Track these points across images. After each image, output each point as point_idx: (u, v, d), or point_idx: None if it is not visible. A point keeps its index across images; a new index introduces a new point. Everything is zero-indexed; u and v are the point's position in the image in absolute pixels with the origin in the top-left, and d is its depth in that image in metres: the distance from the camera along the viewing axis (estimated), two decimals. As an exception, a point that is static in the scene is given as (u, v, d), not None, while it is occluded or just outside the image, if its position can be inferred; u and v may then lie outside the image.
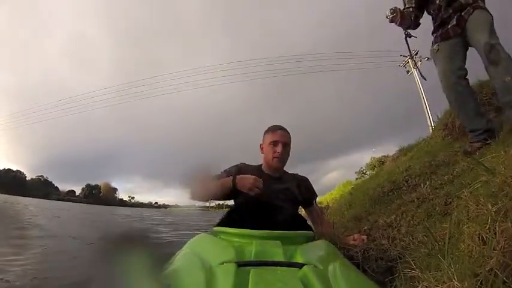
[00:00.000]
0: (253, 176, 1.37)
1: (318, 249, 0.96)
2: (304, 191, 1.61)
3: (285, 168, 1.61)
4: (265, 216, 1.14)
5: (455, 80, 1.85)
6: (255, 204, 1.29)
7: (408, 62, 16.05)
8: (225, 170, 1.59)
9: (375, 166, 16.13)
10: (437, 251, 0.95)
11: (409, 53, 2.52)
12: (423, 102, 14.53)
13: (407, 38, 2.12)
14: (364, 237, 1.45)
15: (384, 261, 1.23)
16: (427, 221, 1.32)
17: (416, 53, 15.76)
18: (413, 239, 1.24)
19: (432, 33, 2.03)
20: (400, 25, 2.02)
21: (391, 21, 1.98)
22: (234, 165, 1.60)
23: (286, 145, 1.54)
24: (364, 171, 18.33)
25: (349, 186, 10.27)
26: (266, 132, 1.59)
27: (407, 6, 2.03)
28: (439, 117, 3.64)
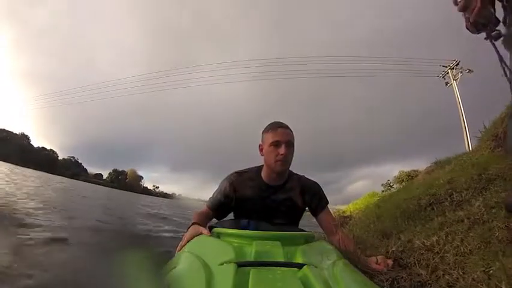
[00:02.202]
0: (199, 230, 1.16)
1: (317, 249, 0.95)
2: (309, 197, 1.42)
3: (293, 169, 1.43)
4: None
5: None
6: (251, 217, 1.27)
7: (448, 73, 15.20)
8: (213, 196, 1.45)
9: (402, 180, 15.46)
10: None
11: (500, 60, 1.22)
12: (461, 115, 13.81)
13: (493, 38, 1.16)
14: (390, 261, 1.14)
15: (421, 300, 0.91)
16: (485, 250, 0.98)
17: (458, 64, 15.00)
18: (464, 273, 0.91)
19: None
20: (476, 17, 1.13)
21: (463, 8, 1.15)
22: (225, 180, 1.44)
23: (290, 145, 1.34)
24: (391, 184, 17.69)
25: (375, 197, 9.69)
26: (265, 131, 1.39)
27: None
28: (486, 127, 3.19)
